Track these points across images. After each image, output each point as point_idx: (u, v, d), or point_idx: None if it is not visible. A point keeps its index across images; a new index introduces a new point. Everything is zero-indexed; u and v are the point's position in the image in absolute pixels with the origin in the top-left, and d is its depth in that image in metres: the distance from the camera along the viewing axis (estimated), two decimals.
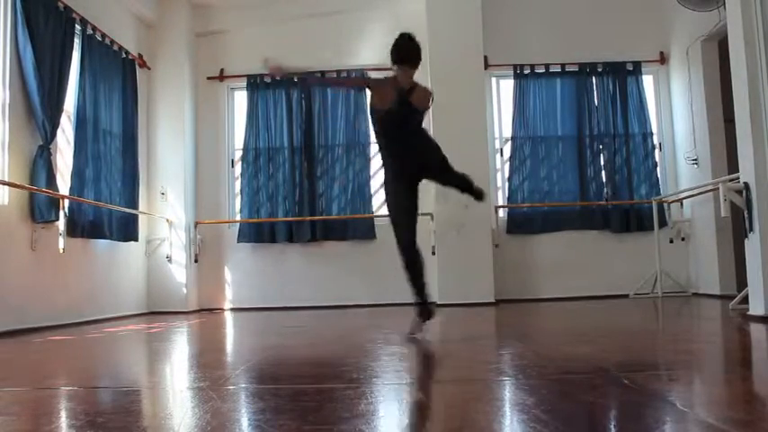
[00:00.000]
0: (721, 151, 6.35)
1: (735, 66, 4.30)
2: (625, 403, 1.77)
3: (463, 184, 3.92)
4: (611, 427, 1.60)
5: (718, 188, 4.92)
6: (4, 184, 4.57)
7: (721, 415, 1.62)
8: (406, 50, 3.57)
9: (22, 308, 4.67)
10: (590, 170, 7.10)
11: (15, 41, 4.79)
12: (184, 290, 6.76)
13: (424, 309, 3.62)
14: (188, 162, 7.00)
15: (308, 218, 6.99)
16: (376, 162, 7.24)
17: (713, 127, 6.40)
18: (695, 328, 4.11)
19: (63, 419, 1.83)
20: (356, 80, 3.62)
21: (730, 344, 3.28)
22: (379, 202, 7.21)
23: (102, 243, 5.83)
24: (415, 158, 3.71)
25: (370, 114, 3.80)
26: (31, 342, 4.03)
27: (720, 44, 6.22)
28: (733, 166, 5.07)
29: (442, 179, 4.00)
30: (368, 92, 3.97)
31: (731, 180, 4.66)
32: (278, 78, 3.49)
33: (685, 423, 1.56)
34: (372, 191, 7.14)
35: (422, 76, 6.67)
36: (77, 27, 5.54)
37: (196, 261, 6.97)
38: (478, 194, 3.91)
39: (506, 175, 7.18)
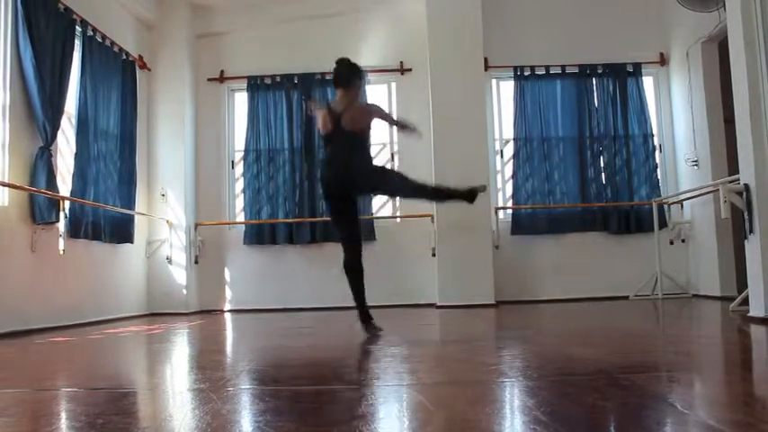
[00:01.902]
0: (721, 152, 6.35)
1: (735, 67, 4.30)
2: (626, 405, 1.76)
3: (438, 196, 4.03)
4: (612, 428, 1.60)
5: (718, 189, 4.92)
6: (5, 185, 4.58)
7: (722, 416, 1.62)
8: (334, 75, 3.99)
9: (22, 309, 4.67)
10: (590, 171, 7.10)
11: (16, 43, 4.79)
12: (184, 291, 6.76)
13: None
14: (188, 163, 7.01)
15: (309, 219, 6.99)
16: (375, 161, 7.23)
17: (713, 128, 6.40)
18: (695, 329, 4.11)
19: (63, 421, 1.83)
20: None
21: (730, 345, 3.27)
22: (378, 204, 7.21)
23: (101, 244, 5.83)
24: (338, 177, 3.90)
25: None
26: (32, 343, 4.03)
27: (720, 45, 6.22)
28: (733, 167, 5.07)
29: (393, 193, 4.24)
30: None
31: (731, 181, 4.66)
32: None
33: (686, 425, 1.56)
34: None
35: (422, 77, 6.79)
36: (78, 28, 5.54)
37: (196, 262, 6.98)
38: (467, 196, 3.92)
39: (506, 176, 7.19)
